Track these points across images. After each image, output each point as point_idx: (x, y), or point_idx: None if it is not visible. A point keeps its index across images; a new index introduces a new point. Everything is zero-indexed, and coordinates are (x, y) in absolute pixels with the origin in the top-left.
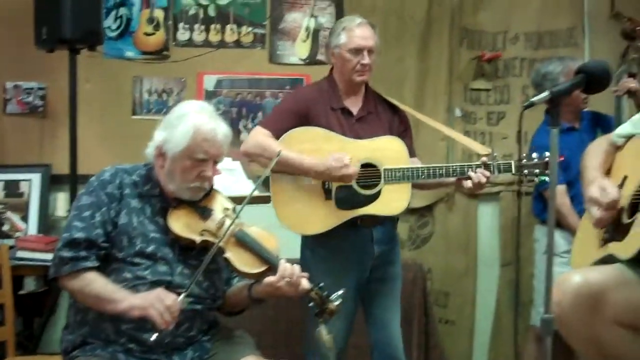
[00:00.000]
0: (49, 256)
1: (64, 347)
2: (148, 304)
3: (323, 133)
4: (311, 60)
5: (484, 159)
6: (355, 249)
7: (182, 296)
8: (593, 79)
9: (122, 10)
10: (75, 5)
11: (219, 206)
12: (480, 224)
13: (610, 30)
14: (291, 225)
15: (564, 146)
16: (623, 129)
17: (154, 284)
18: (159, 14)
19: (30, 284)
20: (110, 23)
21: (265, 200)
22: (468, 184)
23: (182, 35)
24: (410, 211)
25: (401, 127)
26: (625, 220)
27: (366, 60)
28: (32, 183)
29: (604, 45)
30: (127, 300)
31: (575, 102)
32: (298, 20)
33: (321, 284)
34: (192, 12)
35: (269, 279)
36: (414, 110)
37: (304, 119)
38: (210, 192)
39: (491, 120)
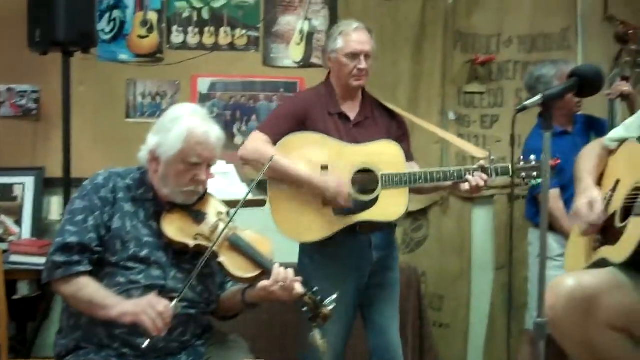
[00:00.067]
0: (42, 260)
1: (57, 351)
2: (140, 310)
3: (320, 138)
4: (305, 63)
5: (482, 162)
6: (353, 255)
7: (174, 302)
8: (585, 83)
9: (116, 13)
10: (69, 8)
11: (213, 210)
12: (475, 227)
13: (603, 34)
14: (289, 232)
15: (557, 150)
16: (616, 133)
17: (148, 288)
18: (152, 16)
19: (23, 288)
20: (103, 26)
21: (259, 203)
22: (465, 187)
23: (176, 38)
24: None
25: (399, 132)
26: (618, 224)
27: (363, 64)
28: (25, 186)
29: (597, 48)
30: (119, 306)
31: (569, 106)
32: (292, 23)
33: (315, 289)
34: (185, 14)
35: (263, 283)
36: (410, 115)
37: (302, 123)
38: (204, 196)
39: (485, 123)
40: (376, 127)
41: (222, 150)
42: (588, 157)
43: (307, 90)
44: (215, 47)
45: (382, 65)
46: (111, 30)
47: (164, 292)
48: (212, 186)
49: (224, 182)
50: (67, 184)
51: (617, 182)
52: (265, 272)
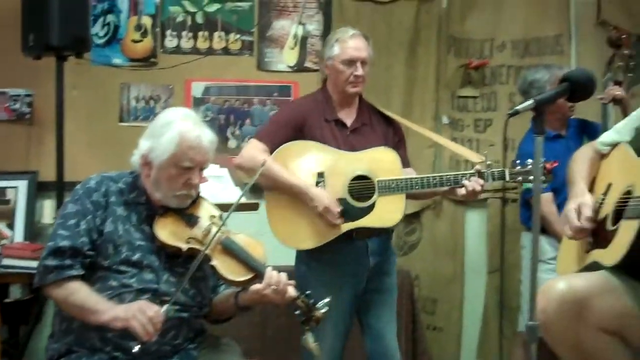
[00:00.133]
0: (35, 264)
1: (49, 355)
2: (130, 315)
3: (317, 146)
4: (299, 68)
5: (478, 167)
6: (350, 261)
7: (165, 307)
8: (577, 88)
9: (110, 17)
10: (63, 12)
11: (206, 213)
12: (468, 231)
13: (596, 38)
14: (286, 240)
15: (550, 153)
16: (608, 137)
17: (140, 292)
18: (146, 21)
19: (16, 292)
20: (97, 30)
21: (252, 207)
22: (462, 191)
23: (170, 42)
24: None
25: (396, 138)
26: (610, 227)
27: (359, 71)
28: (18, 190)
29: (590, 53)
30: (110, 311)
31: (562, 110)
32: (286, 27)
33: (308, 292)
34: (179, 19)
35: (256, 286)
36: (404, 119)
37: (300, 131)
38: (197, 200)
39: (478, 127)
40: (373, 133)
41: (215, 153)
42: (581, 160)
43: (303, 97)
44: (209, 51)
45: (376, 69)
46: (105, 35)
47: (157, 295)
48: (205, 190)
49: (218, 186)
50: (60, 188)
51: (609, 185)
52: (258, 276)
